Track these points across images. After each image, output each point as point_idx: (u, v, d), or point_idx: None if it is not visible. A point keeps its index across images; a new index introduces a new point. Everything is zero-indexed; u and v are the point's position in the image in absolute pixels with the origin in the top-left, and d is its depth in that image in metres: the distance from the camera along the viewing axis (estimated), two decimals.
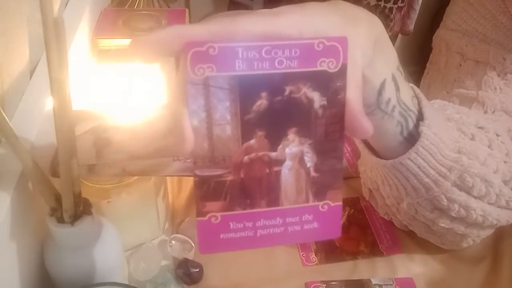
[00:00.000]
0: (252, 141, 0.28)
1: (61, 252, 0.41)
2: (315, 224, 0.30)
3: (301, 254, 0.57)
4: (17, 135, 0.36)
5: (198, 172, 0.28)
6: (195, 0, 0.99)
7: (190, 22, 0.75)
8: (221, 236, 0.28)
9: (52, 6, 0.31)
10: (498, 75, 0.57)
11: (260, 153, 0.28)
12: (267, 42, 0.26)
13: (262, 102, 0.27)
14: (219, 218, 0.28)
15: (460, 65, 0.60)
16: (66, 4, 0.63)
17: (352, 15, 0.32)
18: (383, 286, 0.54)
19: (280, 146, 0.28)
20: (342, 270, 0.56)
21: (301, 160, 0.29)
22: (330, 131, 0.29)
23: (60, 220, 0.39)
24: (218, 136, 0.27)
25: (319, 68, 0.27)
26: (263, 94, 0.27)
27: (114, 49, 0.66)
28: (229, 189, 0.28)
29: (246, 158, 0.28)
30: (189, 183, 0.63)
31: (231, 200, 0.28)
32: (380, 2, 0.92)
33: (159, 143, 0.45)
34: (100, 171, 0.43)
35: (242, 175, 0.28)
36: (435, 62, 0.66)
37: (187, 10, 0.74)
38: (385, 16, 0.94)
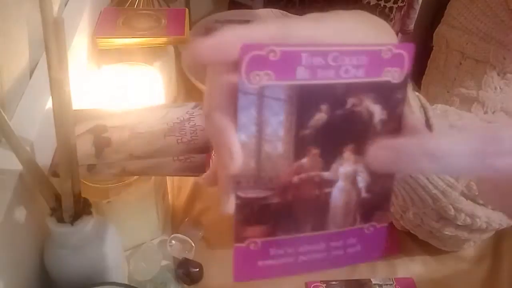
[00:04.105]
0: (304, 160, 0.25)
1: (61, 252, 0.41)
2: (358, 247, 0.27)
3: None
4: (17, 135, 0.36)
5: (240, 194, 0.24)
6: (195, 0, 0.99)
7: (190, 21, 0.75)
8: (259, 263, 0.25)
9: (52, 6, 0.31)
10: (498, 75, 0.57)
11: (312, 173, 0.25)
12: (335, 47, 0.23)
13: (321, 116, 0.24)
14: (259, 244, 0.25)
15: (460, 63, 0.60)
16: (66, 4, 0.63)
17: (377, 25, 0.30)
18: (383, 286, 0.54)
19: (334, 165, 0.25)
20: (342, 270, 0.56)
21: (353, 181, 0.26)
22: None
23: (60, 220, 0.39)
24: (267, 154, 0.24)
25: (383, 78, 0.24)
26: (323, 107, 0.24)
27: (114, 48, 0.66)
28: (273, 213, 0.25)
29: (295, 178, 0.25)
30: (189, 183, 0.63)
31: (275, 225, 0.25)
32: (380, 2, 0.92)
33: (159, 143, 0.45)
34: (100, 171, 0.43)
35: (289, 197, 0.25)
36: (435, 60, 0.66)
37: (187, 9, 0.73)
38: (385, 16, 0.94)
